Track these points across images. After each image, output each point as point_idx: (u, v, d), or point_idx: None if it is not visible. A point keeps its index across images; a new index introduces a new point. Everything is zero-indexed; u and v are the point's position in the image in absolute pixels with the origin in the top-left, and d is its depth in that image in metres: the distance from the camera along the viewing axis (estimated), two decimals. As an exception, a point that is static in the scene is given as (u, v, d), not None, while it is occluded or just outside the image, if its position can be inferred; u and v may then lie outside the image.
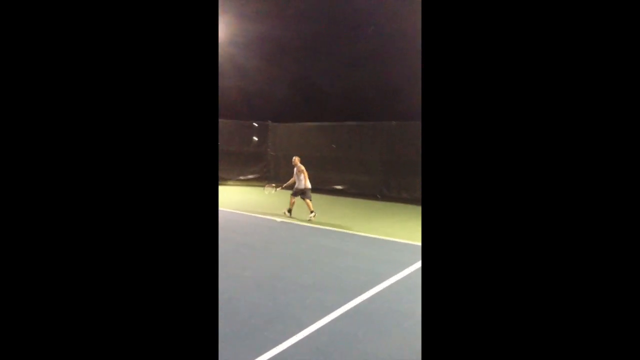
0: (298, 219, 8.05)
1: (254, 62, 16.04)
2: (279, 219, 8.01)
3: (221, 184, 12.67)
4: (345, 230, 7.20)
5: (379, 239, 6.67)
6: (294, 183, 8.27)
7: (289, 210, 8.28)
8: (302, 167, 8.19)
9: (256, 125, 13.41)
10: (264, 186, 9.38)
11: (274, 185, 9.41)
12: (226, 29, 14.19)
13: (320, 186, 12.24)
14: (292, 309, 3.68)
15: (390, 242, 6.51)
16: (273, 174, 13.39)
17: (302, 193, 8.16)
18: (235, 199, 10.21)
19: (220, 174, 12.81)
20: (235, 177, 12.95)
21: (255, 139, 13.28)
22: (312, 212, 7.98)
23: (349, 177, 11.98)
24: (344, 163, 12.12)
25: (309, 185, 8.16)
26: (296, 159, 8.41)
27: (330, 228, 7.38)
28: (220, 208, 8.80)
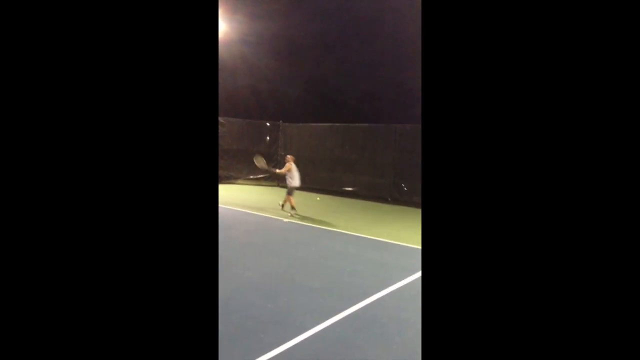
0: (305, 220, 7.95)
1: (266, 61, 16.02)
2: (286, 219, 7.93)
3: (231, 183, 12.67)
4: (353, 233, 7.07)
5: (387, 243, 6.52)
6: (283, 175, 8.66)
7: (292, 208, 8.41)
8: (294, 167, 8.57)
9: (268, 125, 13.38)
10: (255, 157, 9.44)
11: (266, 161, 9.42)
12: (238, 28, 14.19)
13: (331, 187, 12.13)
14: (292, 312, 3.57)
15: (398, 246, 6.36)
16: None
17: (292, 191, 8.49)
18: (244, 198, 10.16)
19: (230, 173, 12.81)
20: (245, 176, 12.92)
21: (268, 138, 13.24)
22: (284, 206, 8.53)
23: (360, 179, 11.84)
24: (356, 165, 11.99)
25: (298, 184, 8.55)
26: (289, 157, 8.78)
27: (338, 230, 7.26)
28: (228, 207, 8.76)
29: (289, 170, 8.46)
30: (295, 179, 8.51)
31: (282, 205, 8.67)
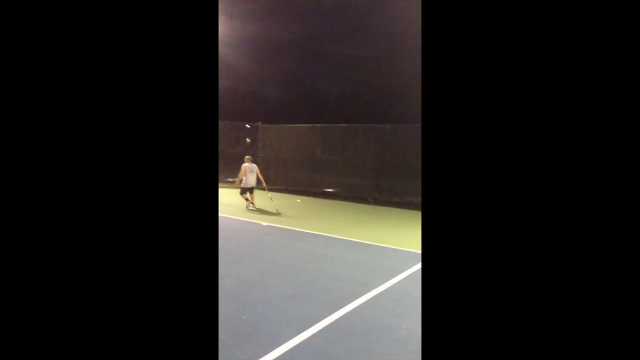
0: (285, 223, 7.77)
1: (245, 62, 15.80)
2: (265, 223, 7.73)
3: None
4: (333, 235, 6.93)
5: (368, 245, 6.41)
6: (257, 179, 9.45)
7: (251, 204, 9.20)
8: (248, 167, 9.33)
9: (248, 126, 13.15)
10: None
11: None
12: (215, 28, 13.93)
13: (311, 189, 11.98)
14: (269, 323, 3.39)
15: (379, 247, 6.25)
16: (264, 176, 13.08)
17: (250, 189, 9.25)
18: (223, 202, 9.90)
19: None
20: (224, 179, 12.65)
21: (248, 140, 13.02)
22: (252, 203, 9.25)
23: (340, 180, 11.74)
24: (336, 166, 11.88)
25: (250, 185, 9.27)
26: (245, 159, 9.59)
27: (319, 232, 7.11)
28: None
29: (242, 172, 9.28)
30: (246, 179, 9.23)
31: (252, 204, 9.26)
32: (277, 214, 8.79)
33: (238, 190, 9.64)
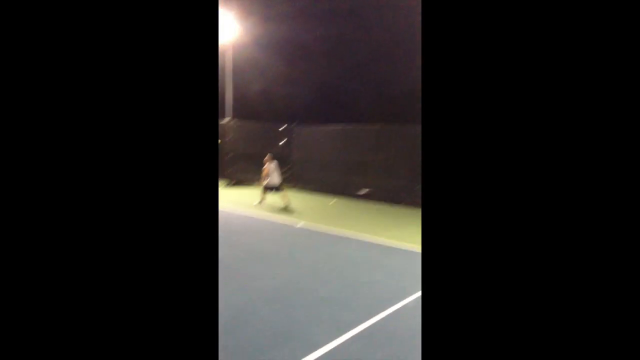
0: (319, 225, 7.75)
1: (278, 65, 15.96)
2: (298, 224, 7.74)
3: (243, 187, 12.57)
4: (369, 238, 6.83)
5: (404, 249, 6.27)
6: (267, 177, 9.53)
7: (260, 202, 9.54)
8: (271, 166, 9.47)
9: (282, 128, 13.29)
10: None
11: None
12: (251, 30, 14.14)
13: (345, 190, 11.91)
14: (305, 326, 3.37)
15: (416, 252, 6.10)
16: (297, 176, 13.15)
17: (277, 188, 9.48)
18: (255, 202, 10.02)
19: (243, 176, 12.73)
20: (258, 180, 12.82)
21: (283, 141, 13.16)
22: (286, 203, 9.46)
23: (374, 181, 11.59)
24: (369, 167, 11.75)
25: (275, 183, 9.53)
26: (266, 158, 9.68)
27: (354, 235, 7.03)
28: (240, 212, 8.63)
29: (267, 172, 9.39)
30: (271, 178, 9.41)
31: (287, 204, 9.44)
32: (292, 211, 8.79)
33: (271, 192, 9.72)
